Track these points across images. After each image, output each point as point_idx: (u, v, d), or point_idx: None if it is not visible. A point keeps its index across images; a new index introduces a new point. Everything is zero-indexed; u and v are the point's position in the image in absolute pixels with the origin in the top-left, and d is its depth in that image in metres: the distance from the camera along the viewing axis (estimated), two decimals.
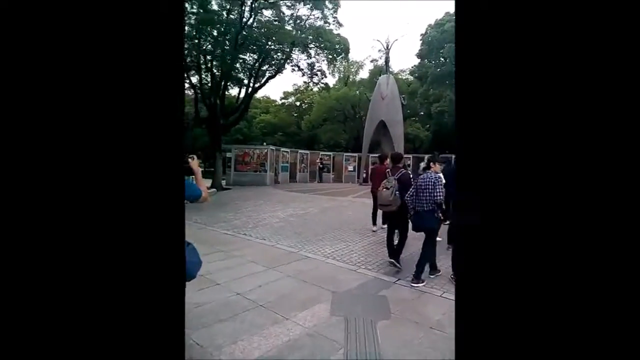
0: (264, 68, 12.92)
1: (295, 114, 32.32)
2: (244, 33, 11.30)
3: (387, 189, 4.10)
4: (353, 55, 36.09)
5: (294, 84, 34.59)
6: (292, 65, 13.53)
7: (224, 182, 14.67)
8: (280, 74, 13.12)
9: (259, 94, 33.28)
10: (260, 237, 5.58)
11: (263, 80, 13.26)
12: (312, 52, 13.31)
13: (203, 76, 13.01)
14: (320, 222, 6.93)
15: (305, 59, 13.50)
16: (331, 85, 26.48)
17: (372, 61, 28.12)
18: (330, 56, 13.63)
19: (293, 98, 32.91)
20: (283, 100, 33.35)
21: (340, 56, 14.13)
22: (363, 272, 3.94)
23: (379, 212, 6.22)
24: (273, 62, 12.69)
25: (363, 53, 74.74)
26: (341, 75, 27.88)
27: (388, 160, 5.55)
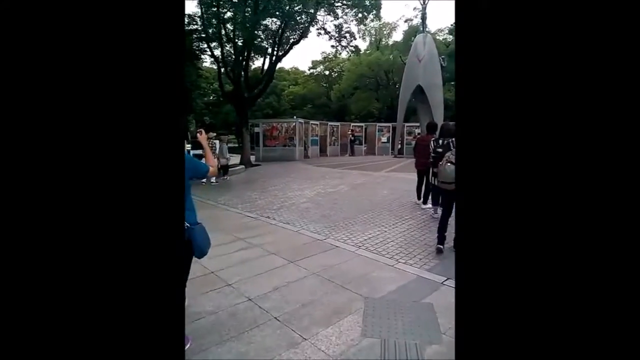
0: (288, 34, 11.90)
1: (325, 84, 30.96)
2: None
3: (453, 163, 3.47)
4: (385, 16, 33.38)
5: (323, 52, 32.89)
6: (317, 29, 12.34)
7: (253, 158, 14.39)
8: (305, 38, 12.03)
9: (288, 65, 32.19)
10: (284, 221, 5.05)
11: (287, 48, 12.27)
12: (339, 11, 11.93)
13: (225, 48, 12.33)
14: (352, 201, 6.25)
15: (332, 20, 12.18)
16: (362, 51, 24.68)
17: (406, 21, 25.66)
18: (359, 14, 12.16)
19: (322, 67, 31.38)
20: (312, 70, 31.96)
21: (371, 14, 12.52)
22: (402, 268, 3.26)
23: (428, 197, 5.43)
24: (297, 27, 11.57)
25: (396, 14, 69.38)
26: (372, 39, 25.66)
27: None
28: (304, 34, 11.92)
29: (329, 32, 12.41)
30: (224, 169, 9.22)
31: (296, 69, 35.25)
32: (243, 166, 12.45)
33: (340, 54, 12.99)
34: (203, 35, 11.85)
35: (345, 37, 12.61)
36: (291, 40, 12.18)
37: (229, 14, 11.51)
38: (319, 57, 32.18)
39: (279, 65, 14.22)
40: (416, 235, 4.27)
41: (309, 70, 32.28)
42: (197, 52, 12.67)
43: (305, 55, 65.51)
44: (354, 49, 13.08)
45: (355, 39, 12.81)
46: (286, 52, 12.36)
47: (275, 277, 3.06)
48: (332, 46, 12.89)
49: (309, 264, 3.36)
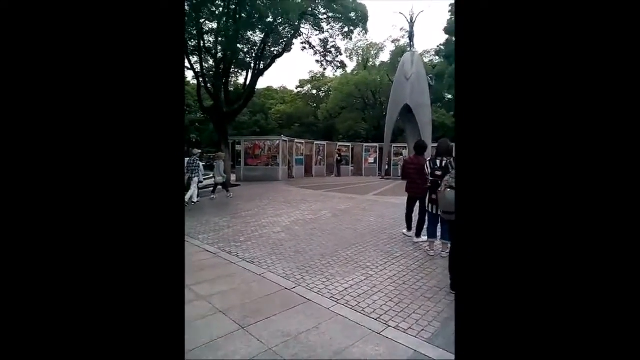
0: (270, 46, 11.30)
1: (313, 103, 30.63)
2: (246, 7, 9.72)
3: (453, 188, 2.92)
4: (372, 37, 33.74)
5: (310, 71, 32.75)
6: (302, 43, 11.83)
7: (233, 177, 13.44)
8: (288, 52, 11.47)
9: (276, 84, 31.84)
10: (248, 259, 4.11)
11: (269, 61, 11.65)
12: (325, 25, 11.49)
13: (205, 61, 11.62)
14: (333, 232, 5.37)
15: (317, 34, 11.70)
16: (349, 71, 24.53)
17: (393, 41, 25.67)
18: (346, 28, 11.72)
19: (309, 86, 31.16)
20: (299, 89, 31.67)
21: (358, 28, 12.10)
22: (393, 337, 2.37)
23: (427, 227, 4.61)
24: (279, 39, 11.00)
25: (383, 34, 71.31)
26: (360, 59, 25.66)
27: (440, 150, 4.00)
28: (287, 47, 11.35)
29: (314, 47, 11.91)
30: (224, 186, 9.31)
31: (284, 88, 35.03)
32: (221, 187, 11.48)
33: (325, 69, 12.23)
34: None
35: (330, 52, 12.13)
36: (274, 53, 11.57)
37: (209, 25, 10.88)
38: (307, 77, 32.06)
39: (267, 84, 13.62)
40: (410, 281, 3.39)
41: (296, 89, 32.01)
42: None
43: (294, 74, 66.12)
44: (339, 65, 12.59)
45: (341, 54, 12.40)
46: (268, 66, 11.71)
47: (211, 356, 2.11)
48: (317, 61, 12.33)
49: (266, 330, 2.43)
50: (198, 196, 8.47)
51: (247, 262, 4.01)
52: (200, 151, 9.30)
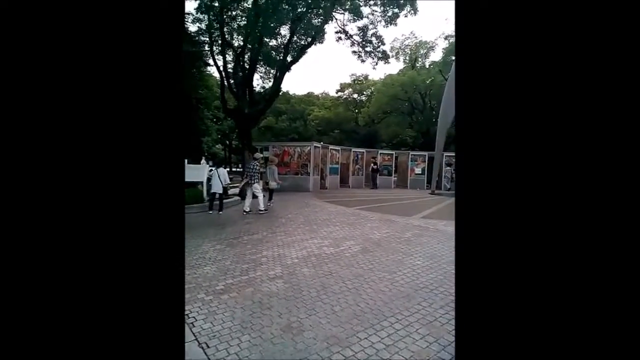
0: (298, 37, 9.70)
1: (354, 108, 28.76)
2: None
3: None
4: (422, 34, 31.07)
5: (352, 74, 30.81)
6: (337, 32, 10.06)
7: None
8: (318, 42, 9.78)
9: (317, 90, 30.58)
10: (204, 334, 2.38)
11: (297, 53, 10.03)
12: (365, 9, 9.59)
13: (229, 58, 10.42)
14: (354, 286, 3.45)
15: (352, 18, 9.74)
16: (394, 72, 22.31)
17: (446, 38, 22.51)
18: (390, 12, 9.67)
19: (350, 90, 29.32)
20: (339, 93, 29.97)
21: (404, 11, 9.92)
22: None
23: None
24: (309, 29, 9.30)
25: (434, 32, 66.77)
26: (407, 59, 23.21)
27: None
28: (317, 37, 9.66)
29: (351, 36, 10.05)
30: (269, 193, 8.80)
31: (326, 94, 33.66)
32: (239, 198, 10.09)
33: (364, 61, 10.22)
34: (208, 45, 10.12)
35: (370, 42, 10.12)
36: (303, 44, 9.96)
37: (233, 21, 9.63)
38: (348, 80, 30.33)
39: (308, 89, 12.11)
40: None
41: (336, 93, 30.37)
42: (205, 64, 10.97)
43: (336, 79, 64.99)
44: (381, 55, 10.53)
45: (383, 43, 10.26)
46: (296, 59, 10.11)
47: None
48: (354, 52, 10.38)
49: None
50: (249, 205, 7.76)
51: (197, 345, 2.28)
52: (262, 155, 8.83)
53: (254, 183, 7.64)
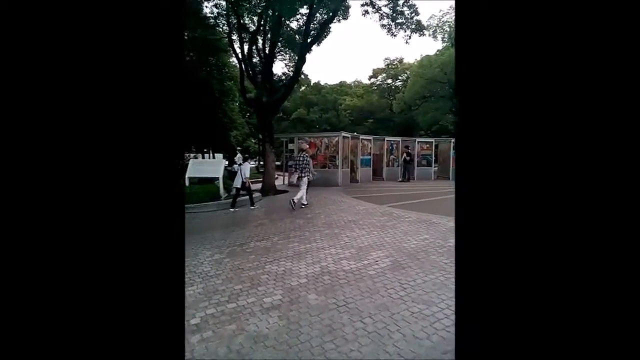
0: (318, 15, 8.51)
1: (388, 95, 26.94)
2: None
3: None
4: None
5: (386, 58, 28.74)
6: (363, 5, 8.73)
7: (279, 182, 11.31)
8: (341, 17, 8.54)
9: (349, 79, 29.10)
10: None
11: (317, 32, 8.87)
12: None
13: (246, 42, 9.60)
14: (378, 328, 2.43)
15: None
16: (432, 53, 20.23)
17: None
18: None
19: (384, 75, 27.45)
20: (372, 80, 28.22)
21: None
22: None
23: None
24: (329, 2, 8.03)
25: None
26: (446, 37, 20.92)
27: None
28: (337, 10, 8.40)
29: (380, 9, 8.64)
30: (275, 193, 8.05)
31: (359, 82, 32.01)
32: (260, 194, 9.37)
33: (395, 35, 8.79)
34: (226, 31, 9.42)
35: (402, 13, 8.64)
36: (324, 20, 8.77)
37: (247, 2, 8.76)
38: (382, 65, 28.46)
39: (340, 78, 10.99)
40: None
41: (369, 79, 28.63)
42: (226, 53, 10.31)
43: (369, 65, 62.52)
44: (415, 27, 8.98)
45: (417, 13, 8.72)
46: (316, 39, 8.97)
47: None
48: (384, 26, 8.91)
49: None
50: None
51: None
52: (307, 145, 8.09)
53: (304, 177, 6.94)
